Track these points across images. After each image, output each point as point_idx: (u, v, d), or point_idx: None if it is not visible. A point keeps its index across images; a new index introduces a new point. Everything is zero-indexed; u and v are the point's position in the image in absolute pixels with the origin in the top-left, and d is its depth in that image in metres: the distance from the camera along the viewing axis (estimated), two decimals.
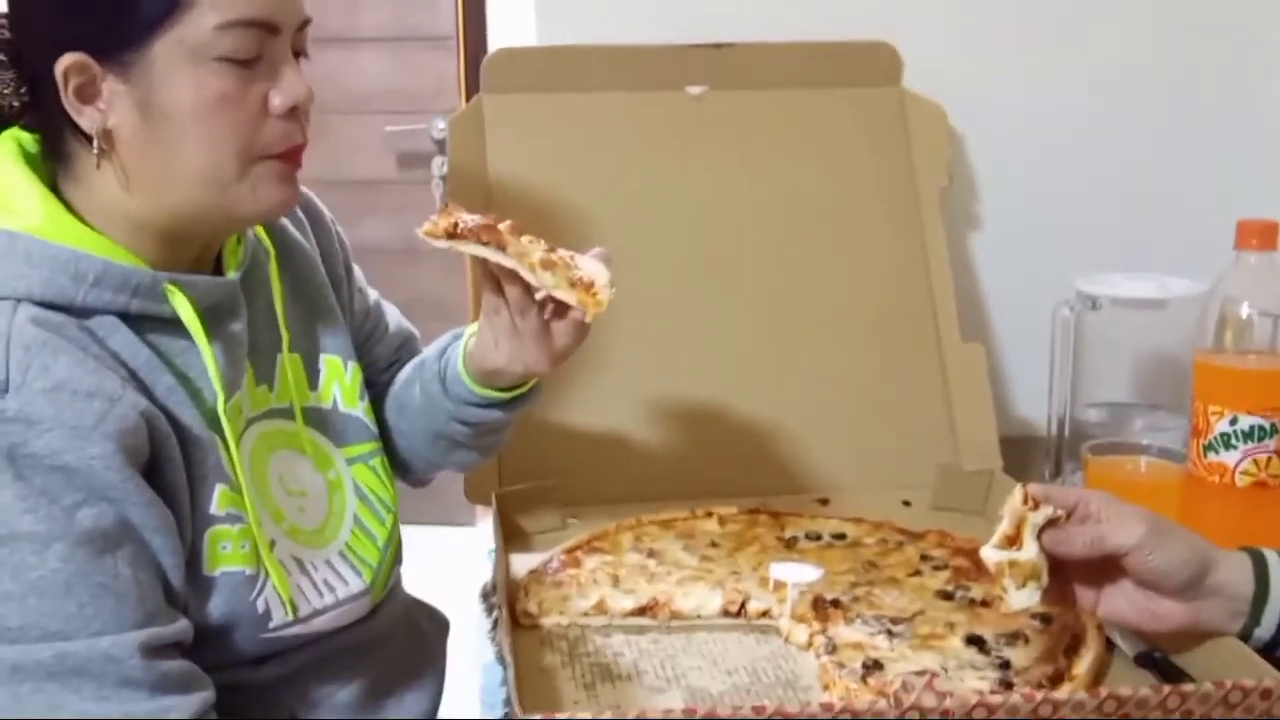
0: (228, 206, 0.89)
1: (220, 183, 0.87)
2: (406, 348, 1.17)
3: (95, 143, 0.85)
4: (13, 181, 0.87)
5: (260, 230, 1.00)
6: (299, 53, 0.90)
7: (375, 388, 1.12)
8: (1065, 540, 0.91)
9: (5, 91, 0.87)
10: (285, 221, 1.04)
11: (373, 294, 1.16)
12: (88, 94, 0.84)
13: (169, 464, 0.85)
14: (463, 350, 1.03)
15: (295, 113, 0.89)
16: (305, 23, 0.90)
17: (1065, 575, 0.94)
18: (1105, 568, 0.93)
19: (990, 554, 0.90)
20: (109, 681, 0.78)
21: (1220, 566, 0.90)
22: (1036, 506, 0.90)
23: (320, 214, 1.10)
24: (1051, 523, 0.91)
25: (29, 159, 0.89)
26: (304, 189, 1.02)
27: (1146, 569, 0.90)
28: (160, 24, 0.83)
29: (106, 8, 0.83)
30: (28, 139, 0.90)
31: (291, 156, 0.90)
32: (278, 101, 0.88)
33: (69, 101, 0.84)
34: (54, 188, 0.89)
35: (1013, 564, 0.90)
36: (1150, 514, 0.91)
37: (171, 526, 0.84)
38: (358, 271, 1.14)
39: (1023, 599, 0.90)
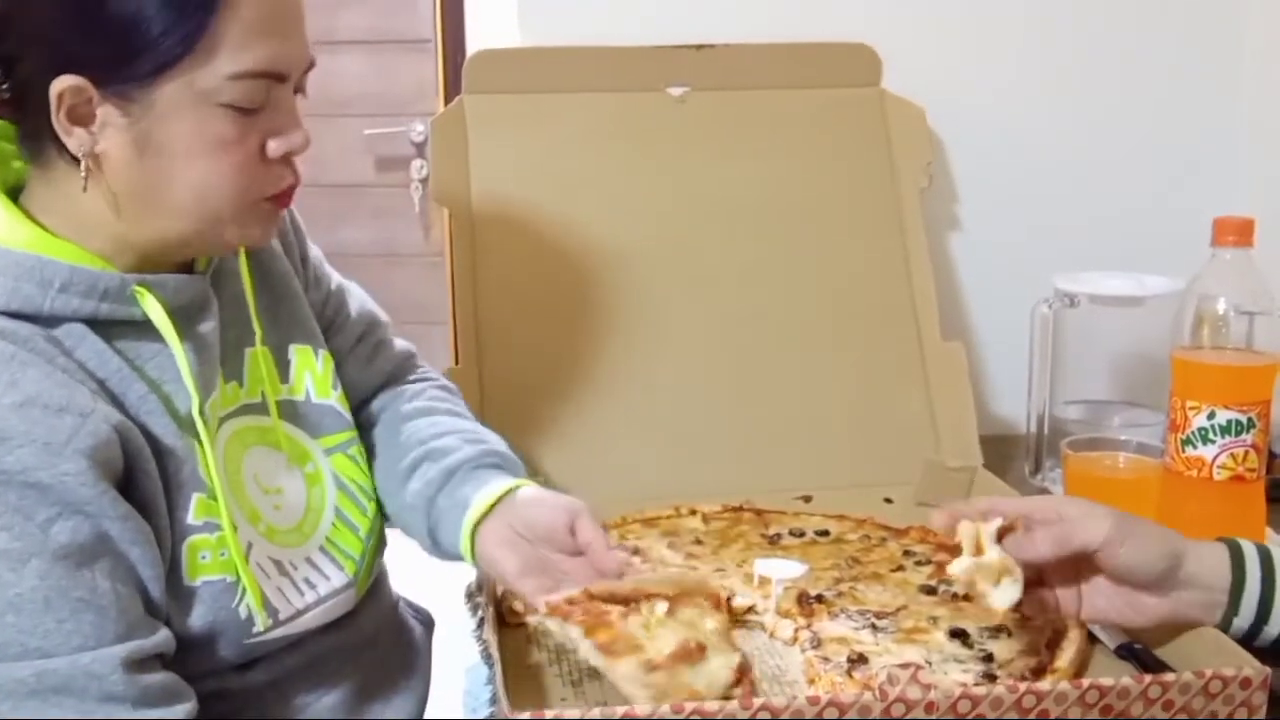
0: (212, 238, 0.89)
1: (207, 220, 0.87)
2: (370, 335, 1.13)
3: (83, 164, 0.84)
4: None
5: None
6: (300, 88, 0.90)
7: (344, 379, 1.08)
8: (1031, 544, 0.90)
9: None
10: None
11: (334, 279, 1.12)
12: (80, 116, 0.83)
13: (144, 476, 0.84)
14: (468, 543, 0.97)
15: (289, 156, 0.89)
16: (310, 65, 0.89)
17: (1045, 583, 0.95)
18: (1080, 570, 0.94)
19: (956, 567, 0.91)
20: (91, 698, 0.78)
21: (1193, 557, 0.91)
22: (985, 519, 0.91)
23: None
24: (1007, 530, 0.91)
25: None
26: None
27: (1118, 564, 0.90)
28: (174, 65, 0.82)
29: (122, 41, 0.81)
30: None
31: (283, 196, 0.91)
32: (275, 149, 0.88)
33: (59, 122, 0.82)
34: (12, 189, 0.88)
35: (979, 567, 0.90)
36: (1113, 509, 0.91)
37: (149, 538, 0.83)
38: (316, 254, 1.10)
39: (1003, 596, 0.89)
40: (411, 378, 1.15)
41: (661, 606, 0.88)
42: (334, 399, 1.03)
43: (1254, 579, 0.91)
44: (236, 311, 0.97)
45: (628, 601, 0.88)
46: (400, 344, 1.16)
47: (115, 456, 0.81)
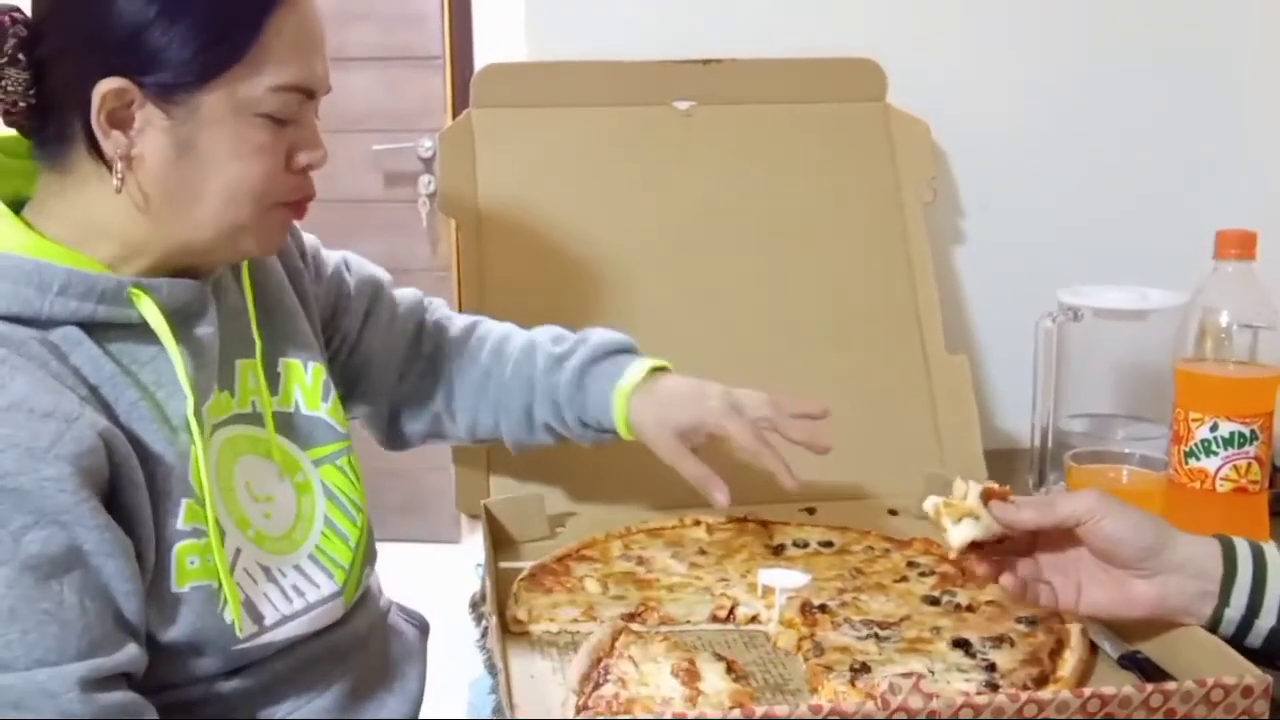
0: (230, 245, 0.92)
1: (233, 226, 0.90)
2: (378, 301, 1.17)
3: (118, 166, 0.86)
4: None
5: None
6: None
7: (373, 349, 1.15)
8: (1016, 510, 0.94)
9: (12, 90, 0.86)
10: None
11: (332, 261, 1.15)
12: (119, 119, 0.85)
13: (130, 485, 0.84)
14: (622, 418, 1.12)
15: (309, 168, 0.94)
16: (328, 89, 0.95)
17: (1042, 578, 0.97)
18: (1075, 561, 0.96)
19: (928, 504, 0.96)
20: (45, 715, 0.77)
21: (1182, 543, 0.93)
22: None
23: None
24: (996, 495, 0.95)
25: None
26: None
27: (1101, 536, 0.92)
28: (222, 74, 0.86)
29: (174, 49, 0.84)
30: None
31: (300, 206, 0.95)
32: (302, 160, 0.92)
33: (98, 123, 0.85)
34: (12, 202, 0.89)
35: (948, 504, 0.94)
36: (1100, 490, 0.95)
37: (127, 551, 0.83)
38: (313, 242, 1.14)
39: (959, 532, 0.93)
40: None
41: (628, 669, 0.92)
42: (324, 411, 1.05)
43: (1245, 571, 0.92)
44: (234, 323, 0.99)
45: (602, 665, 0.93)
46: (408, 293, 1.21)
47: (100, 464, 0.82)
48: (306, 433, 1.03)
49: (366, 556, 1.05)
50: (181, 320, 0.91)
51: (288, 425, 1.02)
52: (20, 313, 0.83)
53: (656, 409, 1.11)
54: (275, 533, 0.97)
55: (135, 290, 0.88)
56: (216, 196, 0.89)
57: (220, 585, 0.89)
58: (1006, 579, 0.95)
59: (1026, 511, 0.94)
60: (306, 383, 1.04)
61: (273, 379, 1.02)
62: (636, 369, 1.13)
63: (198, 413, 0.89)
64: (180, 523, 0.88)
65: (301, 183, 0.94)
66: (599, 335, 1.17)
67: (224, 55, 0.86)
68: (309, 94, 0.91)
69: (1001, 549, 0.96)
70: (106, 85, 0.84)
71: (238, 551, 0.93)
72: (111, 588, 0.82)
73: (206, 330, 0.93)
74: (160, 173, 0.87)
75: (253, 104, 0.87)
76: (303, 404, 1.04)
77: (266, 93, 0.88)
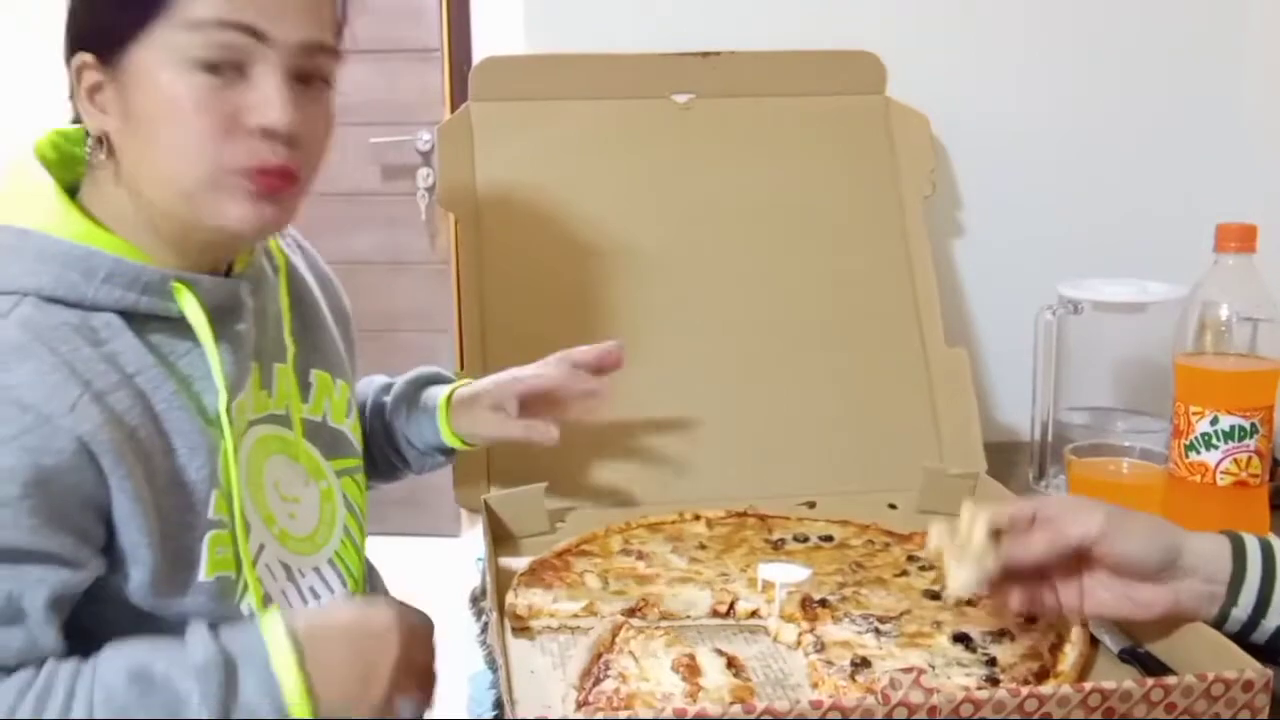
0: (195, 215, 0.87)
1: (186, 191, 0.86)
2: None
3: (103, 143, 0.86)
4: (29, 180, 0.89)
5: (273, 244, 1.03)
6: (313, 77, 0.88)
7: None
8: (1025, 546, 0.92)
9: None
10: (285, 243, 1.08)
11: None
12: (94, 95, 0.86)
13: (146, 482, 0.83)
14: (443, 422, 1.16)
15: (273, 134, 0.85)
16: (316, 45, 0.87)
17: (1047, 581, 0.96)
18: (1081, 564, 0.95)
19: (932, 539, 0.95)
20: None
21: (1192, 546, 0.92)
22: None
23: (317, 260, 1.14)
24: (997, 534, 0.93)
25: (49, 163, 0.90)
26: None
27: (1116, 556, 0.91)
28: (143, 24, 0.83)
29: (95, 5, 0.85)
30: (47, 145, 0.92)
31: (263, 178, 0.86)
32: (250, 120, 0.84)
33: (81, 101, 0.85)
34: (74, 187, 0.90)
35: (949, 547, 0.93)
36: (1105, 503, 0.93)
37: (68, 562, 0.80)
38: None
39: (958, 576, 0.92)
40: None
41: (629, 664, 0.92)
42: (347, 425, 1.07)
43: (1255, 571, 0.91)
44: (276, 327, 1.00)
45: (603, 660, 0.93)
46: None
47: (67, 469, 0.79)
48: (331, 443, 1.05)
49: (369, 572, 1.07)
50: (219, 316, 0.91)
51: (316, 433, 1.04)
52: (65, 296, 0.83)
53: (470, 403, 1.16)
54: (299, 533, 0.98)
55: (178, 284, 0.88)
56: (161, 160, 0.85)
57: (239, 576, 0.90)
58: (1015, 600, 0.95)
59: (1037, 545, 0.92)
60: (335, 396, 1.06)
61: (304, 386, 1.03)
62: (448, 386, 1.19)
63: (229, 408, 0.90)
64: (211, 512, 0.88)
65: (258, 148, 0.84)
66: (412, 372, 1.21)
67: (145, 2, 0.82)
68: (250, 32, 0.82)
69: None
70: (77, 60, 0.85)
71: (261, 547, 0.94)
72: (18, 589, 0.79)
73: (242, 327, 0.93)
74: (121, 145, 0.86)
75: (179, 49, 0.81)
76: (330, 415, 1.06)
77: (189, 33, 0.81)
